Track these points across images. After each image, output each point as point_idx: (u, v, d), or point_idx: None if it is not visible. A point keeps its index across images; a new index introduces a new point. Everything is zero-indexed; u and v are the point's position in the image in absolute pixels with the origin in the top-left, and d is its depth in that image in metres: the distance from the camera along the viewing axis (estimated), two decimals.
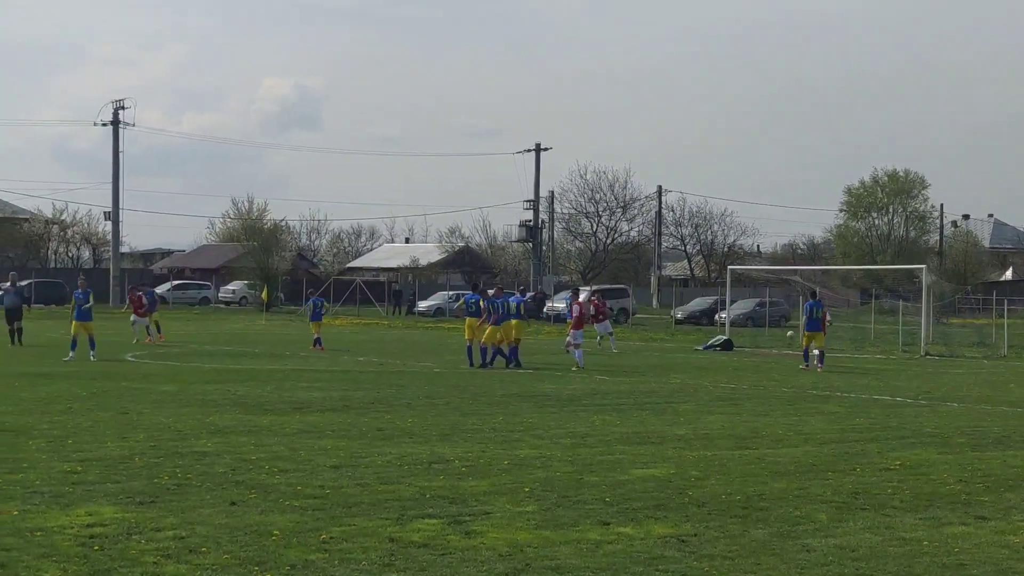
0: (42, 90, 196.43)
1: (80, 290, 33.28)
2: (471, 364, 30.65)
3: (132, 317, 39.72)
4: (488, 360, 30.56)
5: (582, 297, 44.23)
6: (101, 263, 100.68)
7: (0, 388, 22.45)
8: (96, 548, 9.31)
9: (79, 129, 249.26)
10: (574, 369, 30.31)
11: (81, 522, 10.26)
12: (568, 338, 32.69)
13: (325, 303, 45.24)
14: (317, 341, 39.10)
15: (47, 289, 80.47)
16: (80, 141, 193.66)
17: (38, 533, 9.81)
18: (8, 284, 38.76)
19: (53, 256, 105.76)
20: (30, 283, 79.24)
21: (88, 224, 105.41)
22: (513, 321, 31.14)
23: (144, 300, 40.06)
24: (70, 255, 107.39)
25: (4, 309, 38.41)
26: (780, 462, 14.69)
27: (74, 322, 32.54)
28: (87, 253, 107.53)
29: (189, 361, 31.84)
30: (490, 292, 32.09)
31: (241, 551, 9.32)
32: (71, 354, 31.18)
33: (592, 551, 9.62)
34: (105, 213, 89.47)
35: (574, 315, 33.11)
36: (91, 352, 31.55)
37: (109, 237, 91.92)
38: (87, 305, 32.59)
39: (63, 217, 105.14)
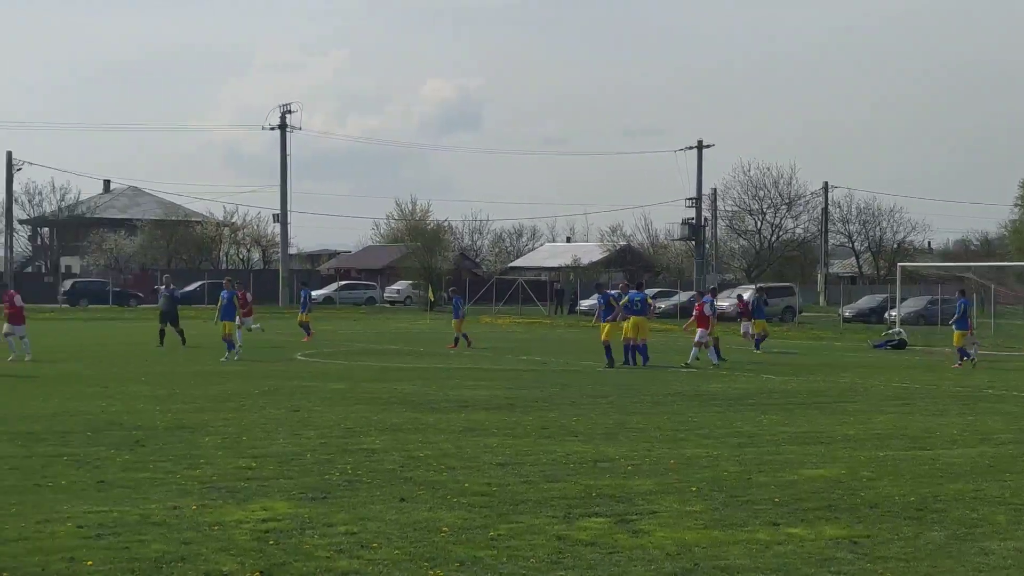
0: (212, 97, 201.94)
1: (226, 291, 33.89)
2: (631, 363, 30.56)
3: (236, 319, 37.00)
4: (630, 358, 30.62)
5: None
6: (270, 264, 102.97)
7: (177, 386, 23.10)
8: (271, 542, 9.52)
9: (248, 134, 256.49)
10: (712, 367, 30.29)
11: (256, 517, 10.51)
12: (697, 337, 32.48)
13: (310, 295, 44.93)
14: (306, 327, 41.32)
15: (219, 290, 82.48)
16: (249, 145, 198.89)
17: (216, 527, 10.07)
18: (162, 287, 39.53)
19: (224, 258, 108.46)
20: (203, 284, 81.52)
21: (258, 226, 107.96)
22: (635, 318, 31.15)
23: (248, 297, 39.74)
24: (241, 257, 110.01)
25: (159, 311, 39.14)
26: (955, 463, 14.32)
27: (222, 322, 32.98)
28: (257, 255, 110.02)
29: (357, 360, 32.37)
30: (610, 289, 32.40)
31: (411, 547, 9.43)
32: (228, 355, 31.73)
33: (762, 551, 9.50)
34: (274, 215, 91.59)
35: (697, 315, 32.98)
36: (233, 352, 32.02)
37: (278, 239, 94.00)
38: (230, 305, 33.14)
39: (234, 220, 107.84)
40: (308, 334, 41.58)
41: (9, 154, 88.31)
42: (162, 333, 37.06)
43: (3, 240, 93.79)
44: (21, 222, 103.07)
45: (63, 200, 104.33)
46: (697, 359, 31.34)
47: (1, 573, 8.46)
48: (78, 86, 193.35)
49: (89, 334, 45.30)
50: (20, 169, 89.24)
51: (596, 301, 31.54)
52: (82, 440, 15.28)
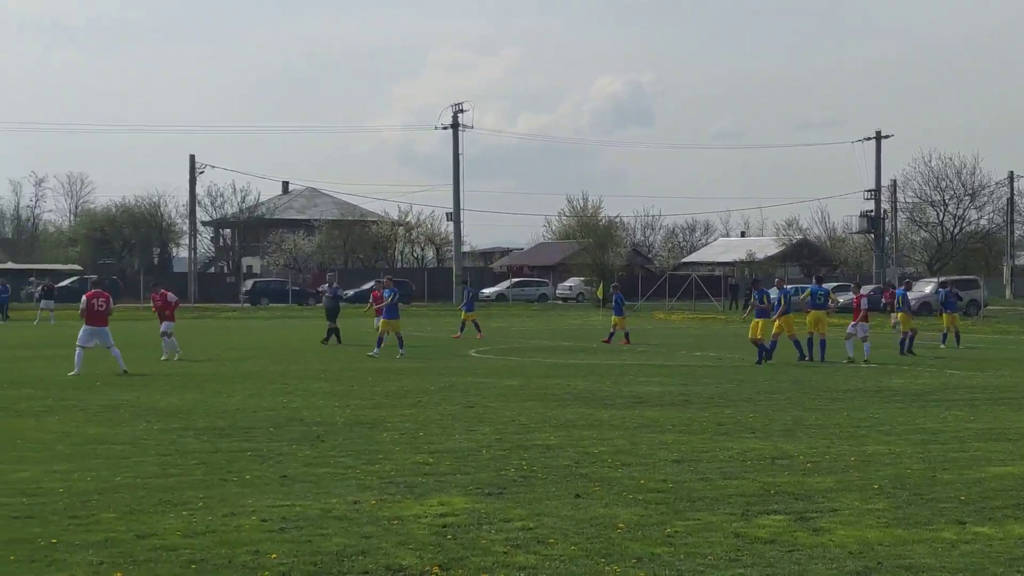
0: (386, 97, 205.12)
1: (387, 288, 34.05)
2: (808, 357, 30.05)
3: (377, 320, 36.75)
4: (806, 352, 30.15)
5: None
6: (444, 262, 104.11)
7: (355, 383, 23.51)
8: (449, 537, 9.61)
9: (421, 133, 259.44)
10: (864, 363, 29.59)
11: (434, 511, 10.61)
12: (849, 329, 31.82)
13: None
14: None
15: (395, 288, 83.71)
16: (422, 145, 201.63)
17: (395, 521, 10.20)
18: (327, 286, 40.14)
19: (399, 256, 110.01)
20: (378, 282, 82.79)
21: (431, 225, 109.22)
22: (816, 312, 30.73)
23: (384, 296, 39.71)
24: (415, 255, 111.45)
25: (324, 309, 39.71)
26: None
27: (382, 320, 33.24)
28: (431, 253, 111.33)
29: (530, 356, 32.50)
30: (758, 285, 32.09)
31: (587, 543, 9.42)
32: (375, 350, 31.86)
33: (948, 551, 9.23)
34: (447, 214, 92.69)
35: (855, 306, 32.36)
36: (400, 351, 31.98)
37: (451, 237, 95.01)
38: (392, 303, 33.17)
39: (408, 219, 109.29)
40: (479, 332, 41.95)
41: (192, 158, 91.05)
42: (329, 331, 37.77)
43: (187, 241, 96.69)
44: (204, 224, 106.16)
45: (244, 202, 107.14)
46: (849, 355, 30.49)
47: (190, 565, 8.70)
48: (257, 90, 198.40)
49: (270, 332, 46.40)
50: (203, 172, 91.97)
51: (776, 296, 31.10)
52: (265, 436, 15.65)
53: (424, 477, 12.43)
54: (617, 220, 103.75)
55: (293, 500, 11.13)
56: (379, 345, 32.38)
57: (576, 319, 62.16)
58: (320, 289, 41.60)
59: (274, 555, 8.99)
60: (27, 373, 25.84)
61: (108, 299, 26.71)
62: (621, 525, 10.05)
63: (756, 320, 30.64)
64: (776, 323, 30.58)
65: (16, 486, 11.81)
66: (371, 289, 45.69)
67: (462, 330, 42.62)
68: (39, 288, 61.56)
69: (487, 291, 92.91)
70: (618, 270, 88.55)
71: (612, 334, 39.30)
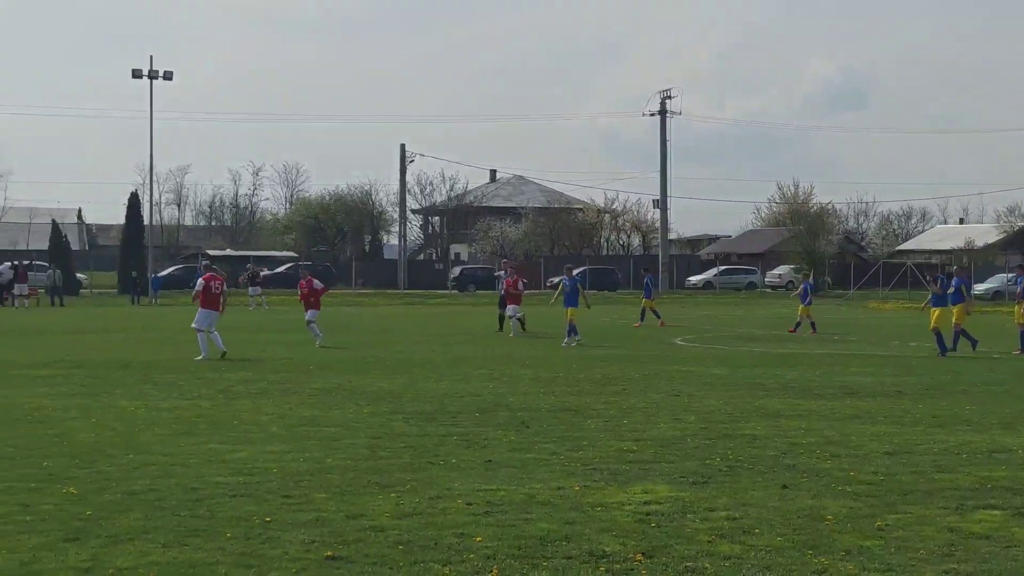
0: (592, 83, 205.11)
1: (567, 277, 33.76)
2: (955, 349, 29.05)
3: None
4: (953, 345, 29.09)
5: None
6: (650, 250, 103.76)
7: (559, 370, 23.61)
8: (652, 524, 9.56)
9: (628, 120, 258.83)
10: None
11: (638, 499, 10.58)
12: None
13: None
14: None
15: (600, 276, 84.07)
16: (629, 131, 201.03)
17: (598, 508, 10.20)
18: (501, 272, 40.04)
19: (605, 244, 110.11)
20: (584, 270, 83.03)
21: (638, 212, 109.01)
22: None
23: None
24: (621, 243, 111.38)
25: (498, 296, 39.45)
26: None
27: (567, 308, 32.76)
28: (637, 240, 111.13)
29: (737, 345, 32.14)
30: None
31: (794, 534, 9.26)
32: (567, 339, 31.51)
33: None
34: (654, 201, 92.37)
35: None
36: (574, 337, 31.57)
37: (658, 224, 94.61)
38: (571, 291, 32.83)
39: (614, 206, 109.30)
40: (658, 319, 41.70)
41: (402, 147, 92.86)
42: (501, 319, 37.31)
43: (397, 229, 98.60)
44: (414, 212, 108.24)
45: (452, 190, 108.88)
46: None
47: (397, 546, 8.85)
48: (466, 80, 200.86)
49: (477, 319, 46.95)
50: (412, 161, 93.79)
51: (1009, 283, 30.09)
52: (471, 421, 15.84)
53: (628, 465, 12.40)
54: (829, 207, 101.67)
55: (498, 485, 11.24)
56: (570, 334, 31.85)
57: (786, 308, 61.18)
58: (496, 275, 41.48)
59: (479, 538, 9.08)
60: (243, 357, 26.67)
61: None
62: (829, 517, 9.85)
63: (935, 309, 29.59)
64: (955, 311, 29.56)
65: (233, 466, 12.21)
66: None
67: (642, 319, 42.43)
68: (244, 275, 63.50)
69: (693, 279, 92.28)
70: (830, 258, 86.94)
71: (799, 323, 38.64)
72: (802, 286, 40.08)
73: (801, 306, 39.06)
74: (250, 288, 61.67)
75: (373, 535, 9.18)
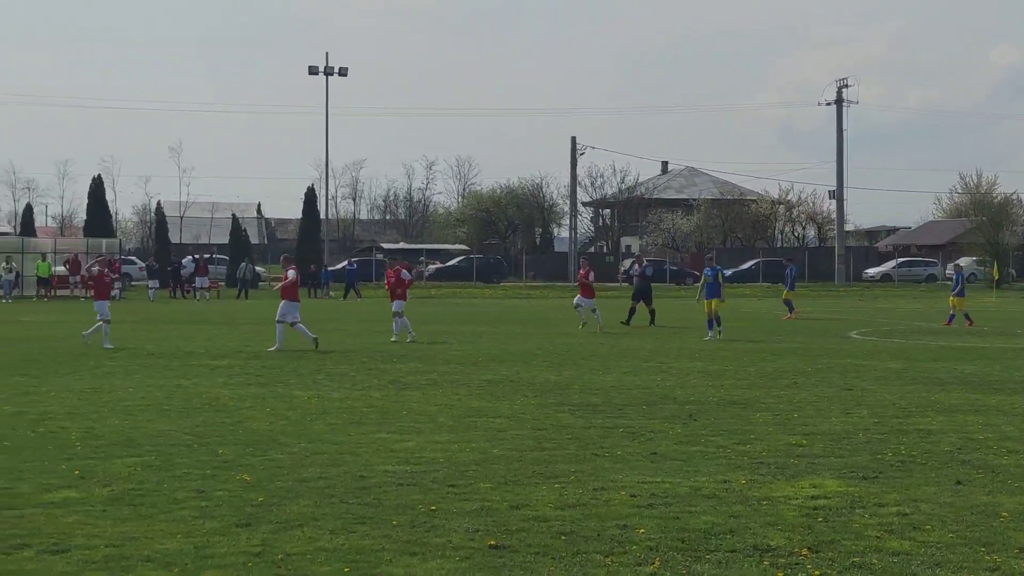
0: (764, 73, 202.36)
1: (708, 268, 32.33)
2: None
3: (576, 299, 35.33)
4: None
5: None
6: (826, 242, 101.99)
7: (729, 363, 23.39)
8: (820, 519, 9.40)
9: (802, 110, 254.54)
10: None
11: (805, 494, 10.41)
12: None
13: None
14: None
15: (773, 268, 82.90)
16: (803, 122, 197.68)
17: (764, 502, 10.07)
18: (635, 266, 39.17)
19: (779, 236, 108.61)
20: (757, 263, 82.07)
21: (813, 203, 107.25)
22: None
23: (592, 275, 36.47)
24: (796, 234, 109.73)
25: (632, 289, 38.55)
26: None
27: (704, 301, 31.55)
28: (812, 232, 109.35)
29: (914, 339, 31.40)
30: None
31: (967, 531, 9.01)
32: (711, 333, 30.66)
33: None
34: (829, 192, 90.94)
35: None
36: (717, 330, 30.54)
37: (834, 216, 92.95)
38: (713, 282, 31.40)
39: (789, 197, 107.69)
40: (791, 312, 40.89)
41: (573, 140, 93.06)
42: (632, 311, 36.40)
43: (568, 222, 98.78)
44: (584, 204, 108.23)
45: (623, 182, 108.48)
46: None
47: (560, 536, 8.88)
48: (636, 71, 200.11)
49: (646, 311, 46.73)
50: (583, 154, 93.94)
51: None
52: (637, 413, 15.79)
53: (796, 459, 12.22)
54: (1013, 197, 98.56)
55: (662, 477, 11.18)
56: (711, 327, 30.83)
57: (968, 300, 59.46)
58: (632, 271, 40.81)
59: (642, 530, 9.05)
60: (413, 348, 27.02)
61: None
62: (1005, 514, 9.56)
63: None
64: None
65: (401, 455, 12.39)
66: (748, 269, 45.02)
67: (791, 311, 41.59)
68: (198, 265, 64.24)
69: (871, 271, 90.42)
70: (1014, 250, 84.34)
71: (952, 316, 37.55)
72: (788, 271, 39.88)
73: (953, 298, 38.13)
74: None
75: (536, 525, 9.22)
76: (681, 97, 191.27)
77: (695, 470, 11.57)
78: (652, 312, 36.48)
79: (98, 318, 27.34)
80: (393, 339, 29.05)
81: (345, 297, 62.78)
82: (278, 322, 26.60)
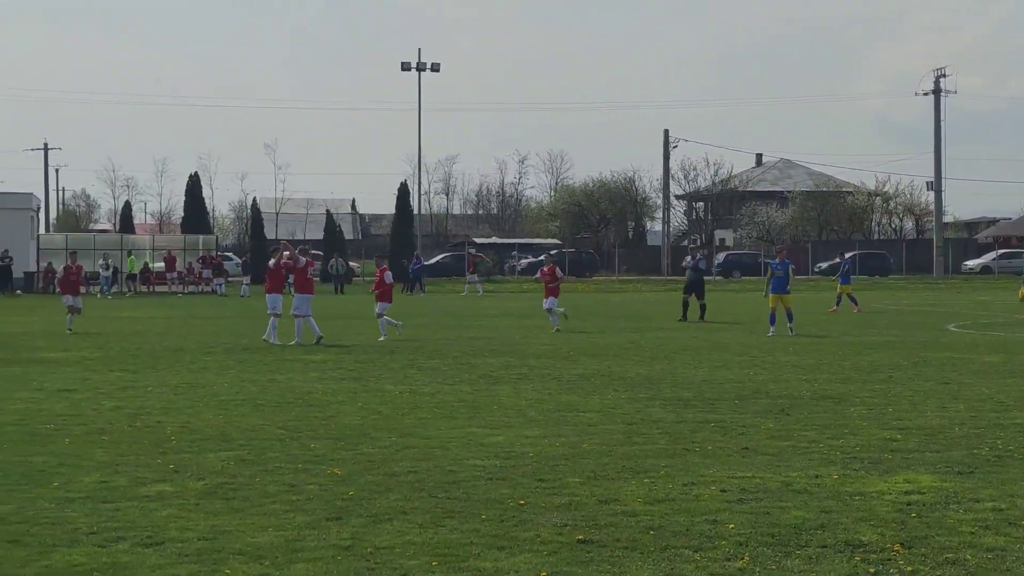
0: (861, 63, 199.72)
1: (777, 260, 30.96)
2: None
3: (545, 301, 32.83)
4: None
5: None
6: (924, 234, 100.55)
7: (824, 356, 23.14)
8: (913, 515, 9.27)
9: (899, 100, 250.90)
10: None
11: (898, 489, 10.27)
12: None
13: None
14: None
15: (870, 260, 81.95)
16: (901, 112, 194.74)
17: (856, 497, 9.95)
18: (689, 257, 37.95)
19: (876, 228, 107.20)
20: (854, 255, 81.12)
21: (910, 195, 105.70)
22: None
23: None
24: (893, 226, 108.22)
25: (685, 282, 37.20)
26: None
27: (770, 295, 30.22)
28: (910, 224, 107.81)
29: (1015, 332, 30.82)
30: None
31: None
32: (771, 330, 29.32)
33: None
34: (927, 183, 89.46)
35: None
36: (788, 326, 29.25)
37: (932, 207, 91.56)
38: (783, 275, 30.08)
39: (885, 189, 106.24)
40: (855, 305, 40.18)
41: (666, 132, 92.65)
42: (685, 304, 35.32)
43: (661, 215, 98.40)
44: (677, 197, 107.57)
45: (716, 175, 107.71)
46: None
47: (648, 531, 8.84)
48: (729, 62, 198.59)
49: (740, 305, 46.47)
50: (676, 147, 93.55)
51: None
52: (729, 407, 15.68)
53: (890, 453, 12.05)
54: None
55: (753, 472, 11.09)
56: (772, 323, 29.70)
57: None
58: (684, 263, 40.07)
59: (732, 525, 8.99)
60: (502, 342, 27.07)
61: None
62: None
63: None
64: None
65: (491, 449, 12.42)
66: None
67: (838, 304, 40.90)
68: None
69: (970, 263, 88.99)
70: None
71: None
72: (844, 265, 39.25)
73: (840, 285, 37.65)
74: (468, 276, 63.04)
75: (624, 520, 9.19)
76: (776, 88, 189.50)
77: (787, 465, 11.46)
78: (703, 307, 35.18)
79: (268, 311, 27.30)
80: (381, 339, 27.95)
81: (411, 292, 63.01)
82: (379, 316, 27.67)
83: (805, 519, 9.17)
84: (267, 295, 27.76)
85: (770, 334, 29.05)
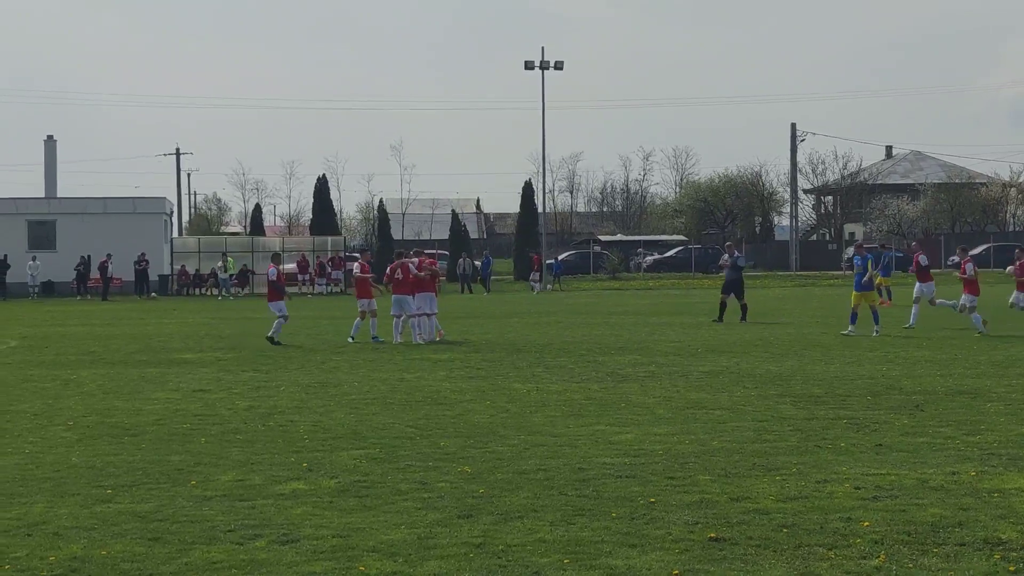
0: (995, 54, 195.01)
1: (858, 256, 28.83)
2: None
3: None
4: None
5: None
6: None
7: (959, 351, 22.68)
8: None
9: None
10: None
11: None
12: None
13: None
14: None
15: (1005, 253, 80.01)
16: None
17: (995, 494, 9.75)
18: (726, 255, 34.53)
19: (1011, 220, 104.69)
20: (988, 247, 79.27)
21: None
22: None
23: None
24: None
25: (723, 281, 34.96)
26: None
27: (853, 292, 28.25)
28: None
29: None
30: None
31: None
32: (850, 328, 27.32)
33: None
34: None
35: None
36: (874, 328, 27.13)
37: None
38: (864, 273, 28.03)
39: (1021, 179, 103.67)
40: (888, 299, 39.01)
41: (793, 126, 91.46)
42: (722, 305, 33.30)
43: (788, 210, 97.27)
44: (805, 191, 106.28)
45: (845, 168, 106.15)
46: None
47: (781, 529, 8.75)
48: (856, 54, 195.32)
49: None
50: (803, 140, 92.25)
51: None
52: (862, 404, 15.45)
53: None
54: None
55: (888, 469, 10.92)
56: (853, 321, 27.60)
57: None
58: (721, 261, 38.99)
59: (866, 523, 8.86)
60: (629, 339, 26.98)
61: (407, 268, 27.21)
62: None
63: None
64: None
65: (619, 447, 12.40)
66: (979, 254, 43.24)
67: (889, 296, 39.39)
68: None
69: None
70: None
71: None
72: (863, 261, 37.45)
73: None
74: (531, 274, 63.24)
75: (757, 518, 9.12)
76: (906, 79, 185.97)
77: (922, 462, 11.26)
78: (744, 307, 32.85)
79: (393, 312, 27.26)
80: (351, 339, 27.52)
81: (471, 290, 63.19)
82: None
83: (942, 516, 9.00)
84: (394, 296, 27.41)
85: (846, 332, 27.18)
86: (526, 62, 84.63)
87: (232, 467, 11.62)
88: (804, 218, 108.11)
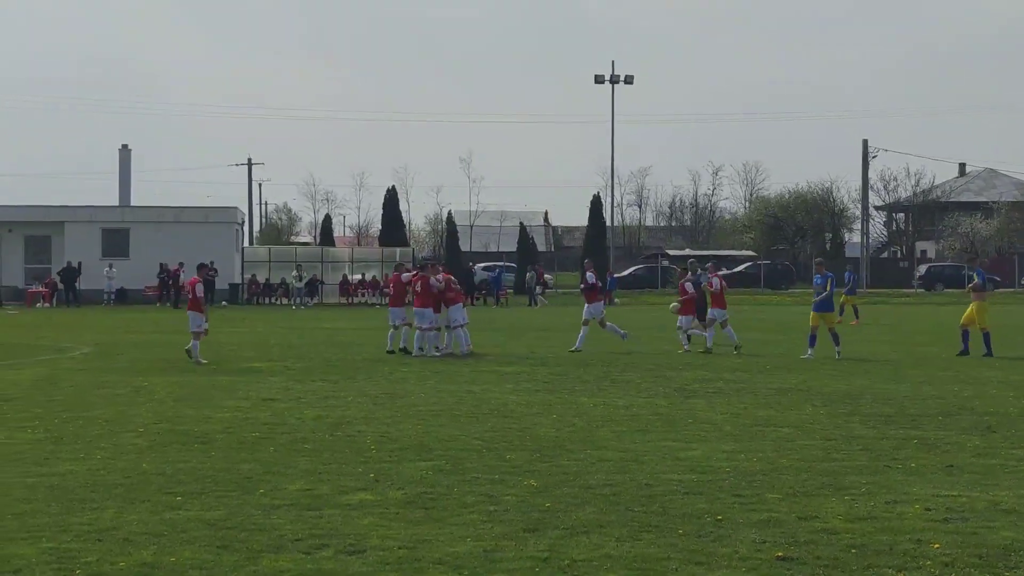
0: None
1: (819, 275, 26.85)
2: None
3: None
4: None
5: None
6: None
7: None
8: None
9: None
10: None
11: None
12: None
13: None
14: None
15: None
16: None
17: None
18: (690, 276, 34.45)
19: None
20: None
21: None
22: None
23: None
24: None
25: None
26: None
27: (812, 313, 26.60)
28: None
29: None
30: None
31: None
32: (809, 352, 25.84)
33: None
34: None
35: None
36: (836, 350, 25.76)
37: None
38: (821, 293, 26.42)
39: None
40: (855, 317, 40.83)
41: (864, 142, 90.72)
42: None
43: (859, 227, 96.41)
44: (876, 208, 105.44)
45: (918, 185, 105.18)
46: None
47: (850, 549, 8.68)
48: (931, 70, 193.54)
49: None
50: (875, 156, 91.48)
51: None
52: (933, 424, 15.28)
53: None
54: None
55: (959, 490, 10.79)
56: (812, 344, 26.04)
57: None
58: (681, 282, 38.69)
59: (937, 545, 8.76)
60: (696, 355, 26.85)
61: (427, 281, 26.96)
62: None
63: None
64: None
65: (686, 463, 12.35)
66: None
67: (841, 313, 38.83)
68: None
69: None
70: None
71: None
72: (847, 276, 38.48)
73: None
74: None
75: (825, 537, 9.04)
76: (980, 96, 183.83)
77: (994, 484, 11.11)
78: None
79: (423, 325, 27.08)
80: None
81: (497, 303, 63.42)
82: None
83: (1015, 540, 8.89)
84: (417, 310, 27.02)
85: (804, 356, 25.67)
86: (596, 75, 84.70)
87: (300, 476, 11.70)
88: (875, 235, 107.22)
